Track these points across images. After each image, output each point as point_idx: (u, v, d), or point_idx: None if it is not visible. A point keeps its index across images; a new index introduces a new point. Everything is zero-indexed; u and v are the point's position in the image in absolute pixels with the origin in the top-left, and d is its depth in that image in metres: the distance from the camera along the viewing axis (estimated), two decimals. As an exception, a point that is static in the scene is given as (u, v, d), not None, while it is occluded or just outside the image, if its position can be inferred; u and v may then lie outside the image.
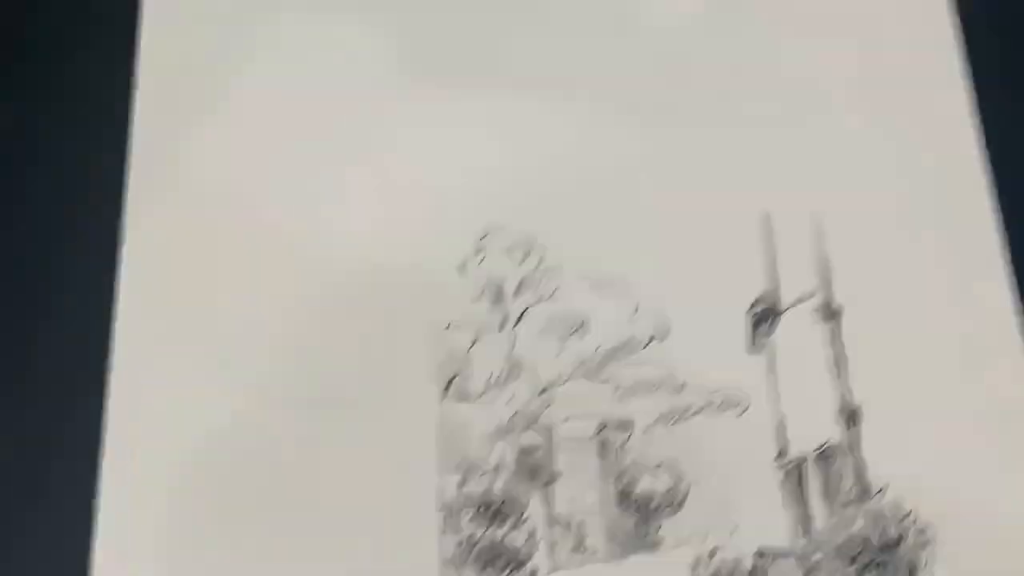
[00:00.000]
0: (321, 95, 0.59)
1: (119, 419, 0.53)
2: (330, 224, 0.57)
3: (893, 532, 0.50)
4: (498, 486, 0.52)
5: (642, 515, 0.52)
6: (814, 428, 0.52)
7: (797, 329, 0.54)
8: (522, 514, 0.52)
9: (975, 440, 0.51)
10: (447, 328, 0.54)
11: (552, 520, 0.52)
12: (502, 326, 0.55)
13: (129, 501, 0.51)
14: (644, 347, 0.54)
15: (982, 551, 0.49)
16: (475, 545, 0.51)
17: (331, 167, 0.58)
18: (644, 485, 0.52)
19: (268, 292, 0.55)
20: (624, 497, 0.52)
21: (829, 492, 0.51)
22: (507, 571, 0.51)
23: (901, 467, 0.51)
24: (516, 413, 0.53)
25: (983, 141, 0.56)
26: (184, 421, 0.53)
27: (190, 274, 0.56)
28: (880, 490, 0.51)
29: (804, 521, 0.51)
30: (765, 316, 0.54)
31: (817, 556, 0.50)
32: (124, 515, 0.51)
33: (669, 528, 0.51)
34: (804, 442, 0.52)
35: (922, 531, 0.50)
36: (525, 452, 0.53)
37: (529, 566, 0.51)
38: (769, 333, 0.54)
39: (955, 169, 0.56)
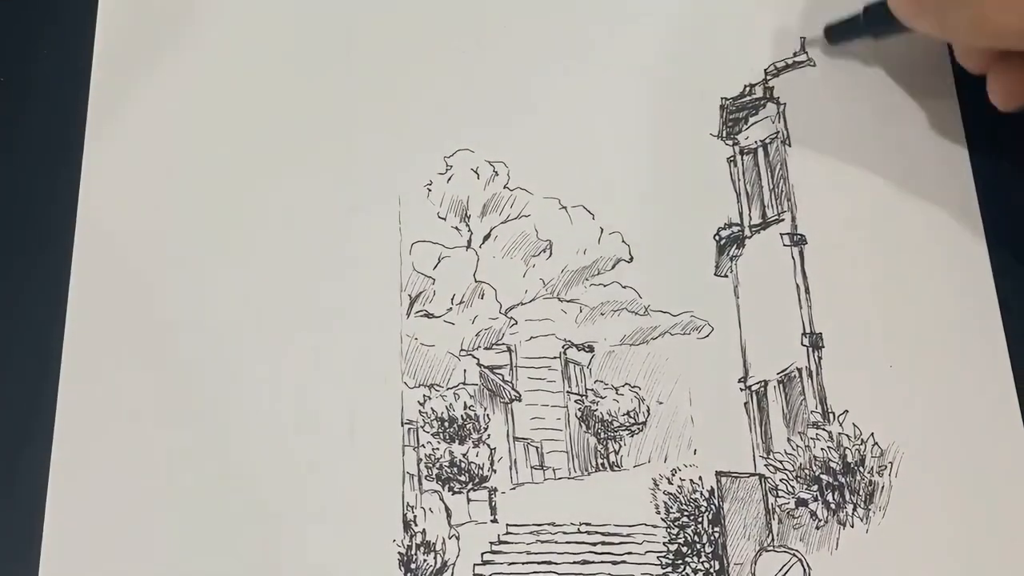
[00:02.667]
0: (289, 24, 0.59)
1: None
2: (296, 146, 0.56)
3: (853, 456, 0.50)
4: (460, 404, 0.52)
5: (604, 435, 0.52)
6: (777, 352, 0.52)
7: (763, 254, 0.54)
8: (484, 432, 0.52)
9: (935, 366, 0.51)
10: (412, 245, 0.54)
11: (513, 439, 0.52)
12: (468, 245, 0.54)
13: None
14: (610, 269, 0.54)
15: (940, 475, 0.50)
16: (437, 461, 0.51)
17: (296, 92, 0.57)
18: (606, 406, 0.52)
19: (233, 215, 0.55)
20: (586, 417, 0.52)
21: (790, 416, 0.51)
22: (468, 487, 0.51)
23: (861, 392, 0.51)
24: (480, 332, 0.53)
25: (956, 70, 0.56)
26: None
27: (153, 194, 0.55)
28: (841, 414, 0.51)
29: (765, 444, 0.51)
30: (732, 240, 0.54)
31: (777, 478, 0.50)
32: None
33: (630, 449, 0.51)
34: (767, 366, 0.52)
35: (881, 455, 0.50)
36: (488, 371, 0.52)
37: (490, 484, 0.51)
38: (735, 257, 0.54)
39: (927, 94, 0.56)
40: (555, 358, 0.53)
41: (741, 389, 0.52)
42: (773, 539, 0.49)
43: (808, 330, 0.52)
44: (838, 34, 0.56)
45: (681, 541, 0.49)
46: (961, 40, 0.51)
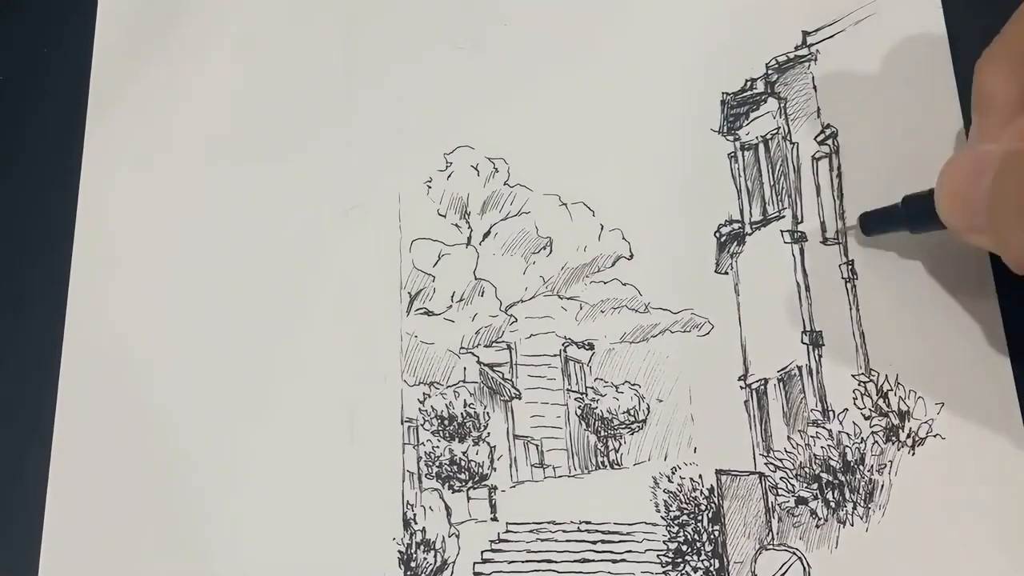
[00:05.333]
0: (288, 22, 0.59)
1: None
2: (295, 143, 0.56)
3: (852, 454, 0.50)
4: (460, 402, 0.52)
5: (604, 433, 0.52)
6: (777, 350, 0.52)
7: (764, 251, 0.53)
8: (484, 430, 0.52)
9: (935, 366, 0.51)
10: (412, 243, 0.54)
11: (513, 437, 0.52)
12: (468, 242, 0.54)
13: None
14: (611, 266, 0.54)
15: (940, 474, 0.50)
16: (437, 459, 0.51)
17: (295, 91, 0.57)
18: (606, 404, 0.52)
19: (232, 212, 0.55)
20: (586, 415, 0.52)
21: (790, 414, 0.51)
22: (468, 485, 0.51)
23: (861, 390, 0.51)
24: (480, 330, 0.53)
25: (954, 57, 0.56)
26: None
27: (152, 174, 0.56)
28: (841, 412, 0.51)
29: (765, 442, 0.51)
30: (732, 237, 0.54)
31: (777, 476, 0.50)
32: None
33: (630, 447, 0.51)
34: (767, 364, 0.52)
35: (881, 453, 0.50)
36: (488, 369, 0.52)
37: (489, 482, 0.51)
38: (736, 254, 0.53)
39: (929, 92, 0.55)
40: (555, 356, 0.53)
41: (741, 387, 0.52)
42: (773, 537, 0.49)
43: (808, 328, 0.52)
44: (874, 224, 0.52)
45: (681, 539, 0.49)
46: None
